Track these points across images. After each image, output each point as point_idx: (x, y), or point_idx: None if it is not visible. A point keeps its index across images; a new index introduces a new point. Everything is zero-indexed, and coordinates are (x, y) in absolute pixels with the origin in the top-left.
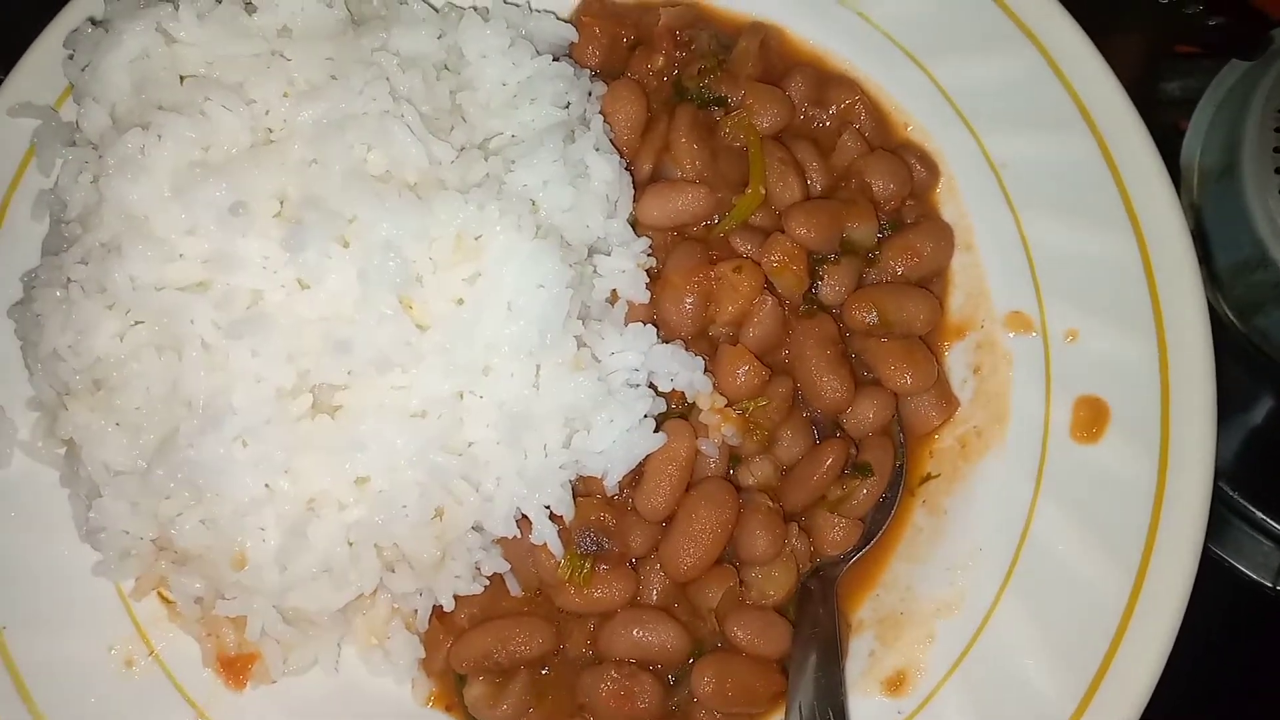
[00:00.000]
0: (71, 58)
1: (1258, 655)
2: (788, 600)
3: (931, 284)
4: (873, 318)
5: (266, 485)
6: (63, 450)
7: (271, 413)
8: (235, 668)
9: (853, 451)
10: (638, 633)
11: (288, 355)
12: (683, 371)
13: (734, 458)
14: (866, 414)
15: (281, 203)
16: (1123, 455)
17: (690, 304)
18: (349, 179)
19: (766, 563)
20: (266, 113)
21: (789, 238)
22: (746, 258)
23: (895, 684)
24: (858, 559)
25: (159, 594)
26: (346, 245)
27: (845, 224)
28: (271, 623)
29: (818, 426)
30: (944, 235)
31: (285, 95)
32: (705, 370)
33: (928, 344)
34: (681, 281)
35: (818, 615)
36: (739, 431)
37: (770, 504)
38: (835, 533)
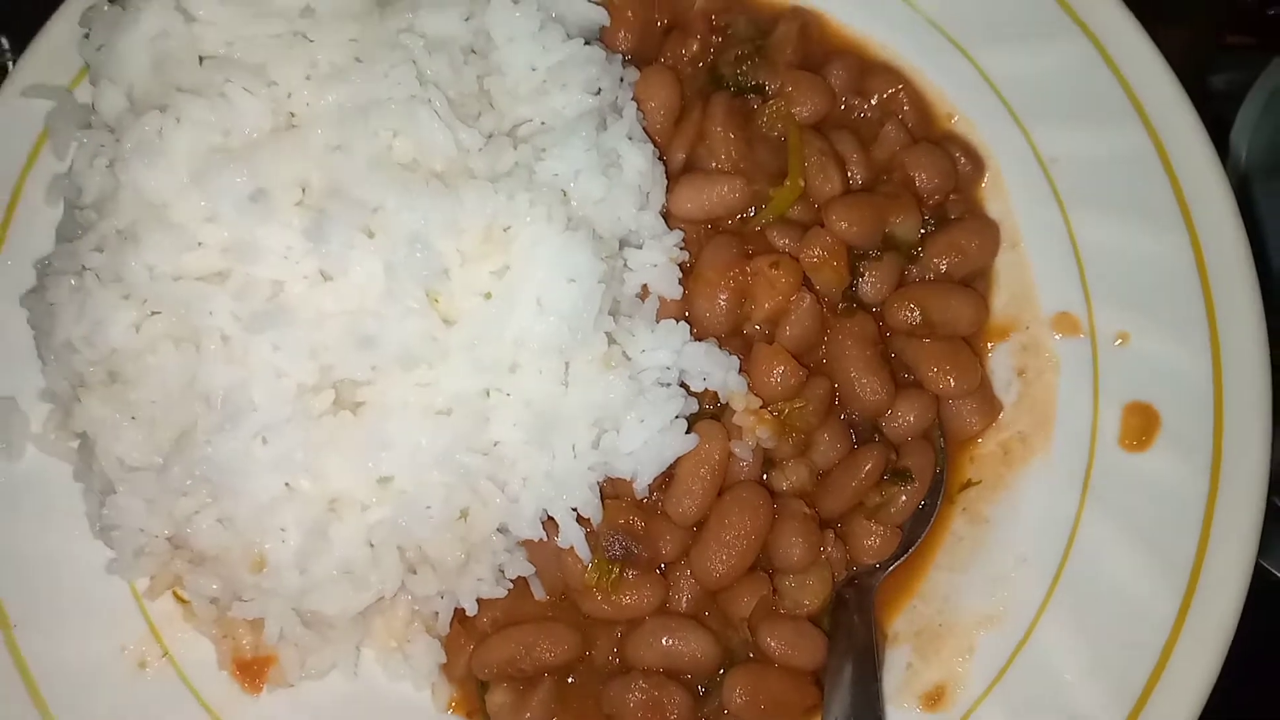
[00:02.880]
0: (87, 37)
1: None
2: (823, 610)
3: (975, 283)
4: (916, 317)
5: (287, 484)
6: (76, 444)
7: (292, 409)
8: (251, 670)
9: (892, 456)
10: (667, 641)
11: (310, 349)
12: (716, 371)
13: (768, 462)
14: (907, 417)
15: (304, 190)
16: (1173, 465)
17: (725, 300)
18: (374, 166)
19: (801, 571)
20: (289, 96)
21: (829, 232)
22: (784, 253)
23: (934, 699)
24: (895, 568)
25: (174, 593)
26: (371, 236)
27: (887, 218)
28: (289, 625)
29: (855, 430)
30: (989, 232)
31: (308, 78)
32: (740, 370)
33: (970, 345)
34: (716, 277)
35: (854, 626)
36: (774, 434)
37: (806, 510)
38: (872, 540)
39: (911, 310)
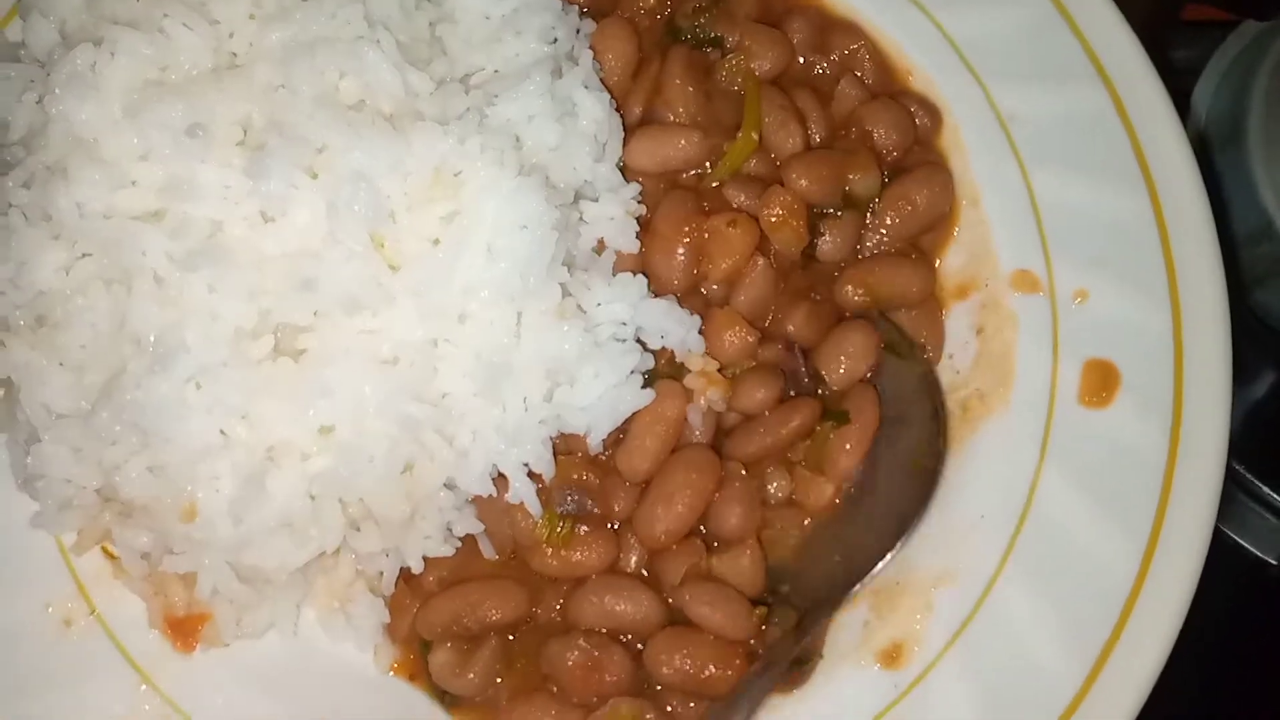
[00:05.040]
0: None
1: (1261, 635)
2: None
3: (936, 231)
4: (862, 297)
5: (221, 431)
6: (0, 391)
7: (228, 353)
8: (184, 629)
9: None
10: (609, 600)
11: (248, 292)
12: (676, 329)
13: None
14: (844, 353)
15: (245, 130)
16: (1133, 421)
17: (681, 257)
18: (319, 106)
19: (738, 540)
20: (231, 35)
21: (788, 190)
22: (741, 210)
23: (891, 656)
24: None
25: (103, 549)
26: (314, 176)
27: (847, 175)
28: (224, 581)
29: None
30: (941, 179)
31: (251, 17)
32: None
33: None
34: (671, 232)
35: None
36: (725, 396)
37: (744, 473)
38: (817, 488)
39: (858, 290)
